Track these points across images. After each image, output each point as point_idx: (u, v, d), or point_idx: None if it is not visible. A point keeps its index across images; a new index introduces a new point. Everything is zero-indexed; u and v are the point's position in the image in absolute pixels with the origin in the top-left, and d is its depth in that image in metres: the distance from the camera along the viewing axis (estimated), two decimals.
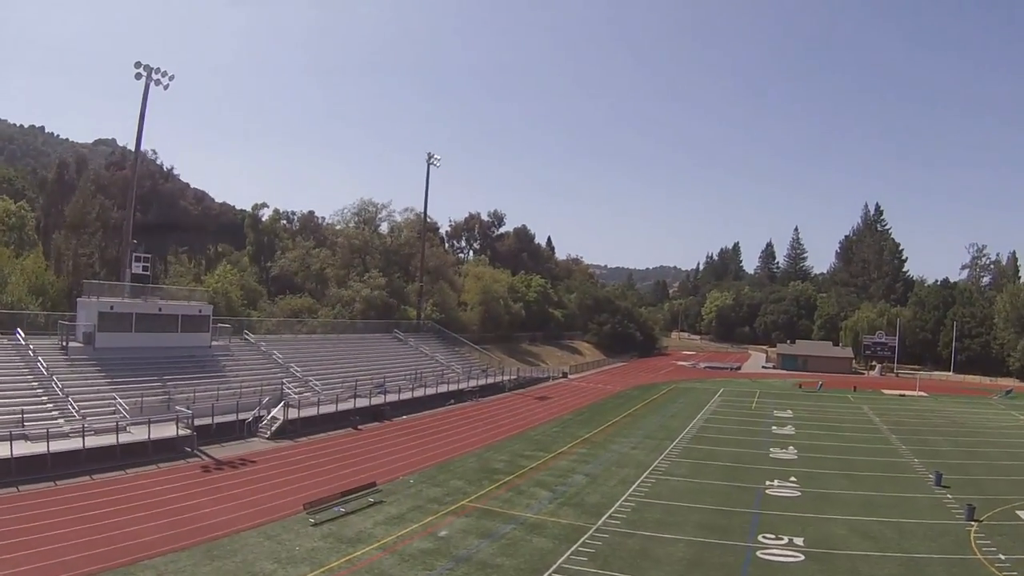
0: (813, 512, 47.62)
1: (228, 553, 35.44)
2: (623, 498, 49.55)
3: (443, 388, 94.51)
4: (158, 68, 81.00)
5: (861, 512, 48.01)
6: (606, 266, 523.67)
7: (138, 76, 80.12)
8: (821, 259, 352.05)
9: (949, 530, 44.58)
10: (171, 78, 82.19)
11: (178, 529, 38.50)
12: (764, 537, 41.48)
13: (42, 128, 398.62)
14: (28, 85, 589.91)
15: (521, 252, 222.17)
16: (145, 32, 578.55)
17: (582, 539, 40.01)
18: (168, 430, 57.03)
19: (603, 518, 44.42)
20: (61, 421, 54.92)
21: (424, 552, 36.95)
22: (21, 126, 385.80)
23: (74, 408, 57.11)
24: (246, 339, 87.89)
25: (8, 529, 36.79)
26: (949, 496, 52.88)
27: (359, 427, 71.54)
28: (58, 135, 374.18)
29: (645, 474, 57.16)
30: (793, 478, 57.25)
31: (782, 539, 41.19)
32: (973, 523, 45.86)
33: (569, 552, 37.76)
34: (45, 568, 32.18)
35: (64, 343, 67.33)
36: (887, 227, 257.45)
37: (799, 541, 40.88)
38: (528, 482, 53.44)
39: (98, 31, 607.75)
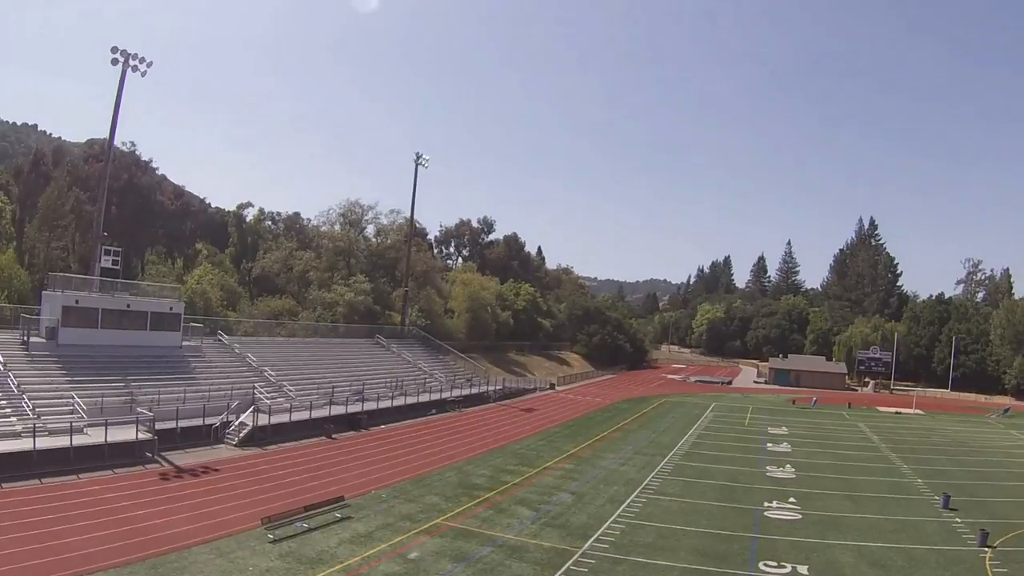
0: (816, 537, 44.18)
1: (174, 571, 32.27)
2: (612, 519, 46.02)
3: (425, 397, 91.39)
4: (135, 54, 78.21)
5: (867, 537, 44.63)
6: (596, 278, 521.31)
7: (114, 62, 77.52)
8: (814, 274, 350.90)
9: (962, 557, 41.30)
10: (149, 64, 79.40)
11: (125, 541, 35.39)
12: (765, 565, 37.95)
13: (35, 126, 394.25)
14: (21, 82, 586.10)
15: (511, 260, 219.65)
16: (135, 28, 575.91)
17: (566, 565, 36.37)
18: (128, 433, 53.75)
19: (590, 541, 40.84)
20: (14, 420, 52.08)
21: None
22: (14, 123, 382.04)
23: (28, 406, 54.23)
24: (219, 340, 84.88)
25: None
26: (958, 520, 49.59)
27: (333, 436, 68.30)
28: (51, 133, 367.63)
29: (635, 493, 53.64)
30: (792, 499, 53.91)
31: (785, 567, 37.72)
32: (987, 549, 42.59)
33: None
34: None
35: (25, 338, 64.58)
36: (881, 241, 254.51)
37: (803, 570, 37.45)
38: (510, 499, 49.97)
39: (88, 27, 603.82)
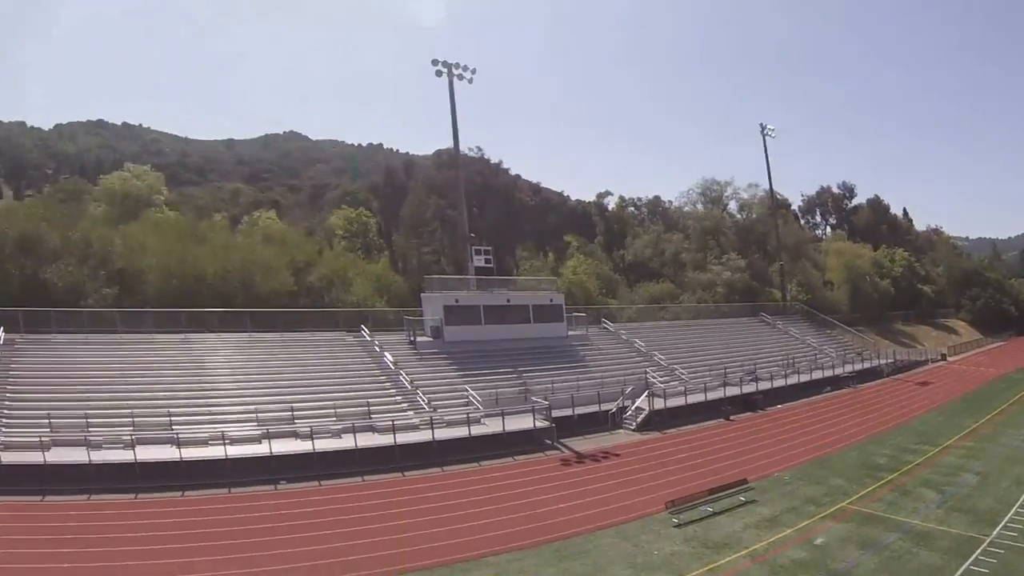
0: None
1: (578, 554, 33.70)
2: (1019, 503, 42.19)
3: (817, 374, 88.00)
4: (457, 63, 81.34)
5: None
6: (968, 237, 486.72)
7: (438, 74, 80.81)
8: None
9: None
10: (473, 71, 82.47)
11: (527, 525, 37.36)
12: None
13: (380, 145, 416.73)
14: (364, 108, 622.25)
15: (878, 225, 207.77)
16: (464, 36, 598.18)
17: (975, 554, 33.86)
18: (524, 422, 56.16)
19: (998, 528, 37.59)
20: (410, 413, 56.04)
21: (797, 564, 32.97)
22: (360, 144, 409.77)
23: (423, 400, 58.31)
24: (604, 328, 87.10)
25: (352, 516, 38.18)
26: None
27: (731, 418, 67.96)
28: (397, 150, 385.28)
29: None
30: None
31: None
32: None
33: (960, 571, 32.15)
34: (378, 559, 32.75)
35: (412, 337, 69.19)
36: None
37: None
38: (913, 481, 47.41)
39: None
